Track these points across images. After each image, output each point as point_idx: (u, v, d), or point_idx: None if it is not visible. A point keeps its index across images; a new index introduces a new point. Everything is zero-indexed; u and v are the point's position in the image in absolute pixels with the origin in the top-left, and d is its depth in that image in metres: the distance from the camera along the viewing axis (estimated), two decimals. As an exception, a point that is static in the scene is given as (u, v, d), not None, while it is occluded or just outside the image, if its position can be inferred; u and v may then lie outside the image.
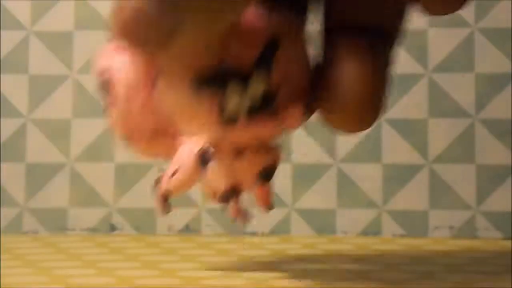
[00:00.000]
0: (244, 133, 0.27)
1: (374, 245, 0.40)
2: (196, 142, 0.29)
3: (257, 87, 0.26)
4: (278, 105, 0.26)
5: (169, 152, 0.30)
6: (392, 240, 0.42)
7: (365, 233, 0.43)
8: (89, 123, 0.45)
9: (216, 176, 0.29)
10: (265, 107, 0.26)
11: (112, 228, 0.44)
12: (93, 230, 0.44)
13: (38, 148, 0.45)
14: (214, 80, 0.26)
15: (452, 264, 0.34)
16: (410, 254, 0.37)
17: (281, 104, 0.27)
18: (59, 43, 0.45)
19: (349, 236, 0.43)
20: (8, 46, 0.45)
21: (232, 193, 0.29)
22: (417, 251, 0.38)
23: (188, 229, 0.44)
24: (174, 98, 0.26)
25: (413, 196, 0.43)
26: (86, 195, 0.45)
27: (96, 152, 0.45)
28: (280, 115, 0.27)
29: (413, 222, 0.43)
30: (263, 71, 0.26)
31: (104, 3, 0.45)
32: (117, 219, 0.44)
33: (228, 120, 0.26)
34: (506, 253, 0.37)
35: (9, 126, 0.45)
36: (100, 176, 0.45)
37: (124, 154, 0.45)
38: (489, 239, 0.43)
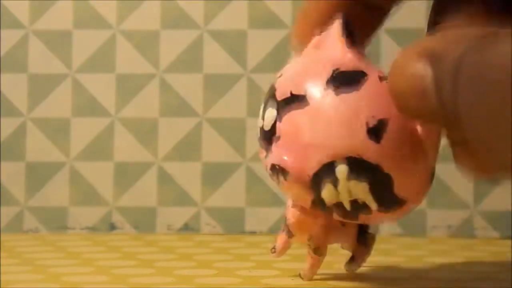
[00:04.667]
0: None
1: (372, 244, 0.40)
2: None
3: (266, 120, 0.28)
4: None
5: None
6: (390, 239, 0.42)
7: (363, 232, 0.43)
8: (88, 122, 0.45)
9: None
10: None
11: (112, 227, 0.44)
12: (93, 228, 0.44)
13: (38, 147, 0.45)
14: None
15: (450, 263, 0.34)
16: (407, 253, 0.37)
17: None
18: (58, 42, 0.45)
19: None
20: (7, 45, 0.45)
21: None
22: (415, 250, 0.38)
23: (187, 228, 0.44)
24: None
25: (411, 196, 0.43)
26: (85, 194, 0.45)
27: (95, 151, 0.45)
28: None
29: (411, 221, 0.43)
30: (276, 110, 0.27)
31: (102, 2, 0.45)
32: (116, 218, 0.44)
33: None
34: (503, 253, 0.37)
35: (9, 125, 0.45)
36: (100, 175, 0.45)
37: (123, 153, 0.45)
38: (487, 238, 0.42)
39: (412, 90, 0.23)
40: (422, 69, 0.22)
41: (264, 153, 0.27)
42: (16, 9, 0.45)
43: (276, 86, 0.27)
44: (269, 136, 0.27)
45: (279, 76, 0.28)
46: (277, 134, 0.27)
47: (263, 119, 0.27)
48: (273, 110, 0.27)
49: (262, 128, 0.28)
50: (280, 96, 0.27)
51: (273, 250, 0.30)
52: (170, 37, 0.45)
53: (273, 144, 0.27)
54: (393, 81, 0.23)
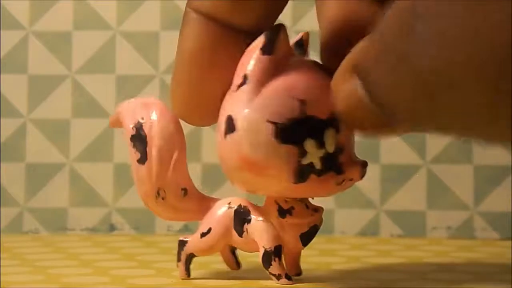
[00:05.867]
0: (309, 190, 0.27)
1: (371, 245, 0.40)
2: (232, 201, 0.30)
3: (330, 144, 0.27)
4: (342, 165, 0.27)
5: (198, 211, 0.30)
6: (390, 240, 0.42)
7: (363, 233, 0.43)
8: (88, 123, 0.45)
9: (258, 234, 0.29)
10: (333, 166, 0.27)
11: (112, 228, 0.44)
12: (93, 230, 0.44)
13: (37, 148, 0.45)
14: (295, 134, 0.26)
15: (450, 264, 0.34)
16: (407, 254, 0.37)
17: (344, 164, 0.27)
18: (58, 43, 0.45)
19: (347, 236, 0.43)
20: (8, 46, 0.45)
21: (275, 253, 0.28)
22: (415, 251, 0.38)
23: (187, 229, 0.44)
24: (255, 148, 0.26)
25: (411, 197, 0.43)
26: (85, 195, 0.45)
27: (95, 152, 0.45)
28: (342, 175, 0.27)
29: (411, 222, 0.43)
30: (335, 129, 0.27)
31: (102, 3, 0.45)
32: (116, 219, 0.44)
33: (302, 175, 0.27)
34: (503, 254, 0.37)
35: (9, 126, 0.45)
36: (100, 176, 0.45)
37: (123, 154, 0.45)
38: (487, 239, 0.42)
39: (351, 106, 0.23)
40: (351, 84, 0.23)
41: (335, 175, 0.27)
42: (16, 10, 0.45)
43: (310, 113, 0.27)
44: (338, 154, 0.27)
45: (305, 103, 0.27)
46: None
47: (322, 146, 0.27)
48: (330, 131, 0.27)
49: (325, 155, 0.27)
50: (323, 115, 0.27)
51: (280, 277, 0.29)
52: (170, 38, 0.45)
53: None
54: (337, 104, 0.24)
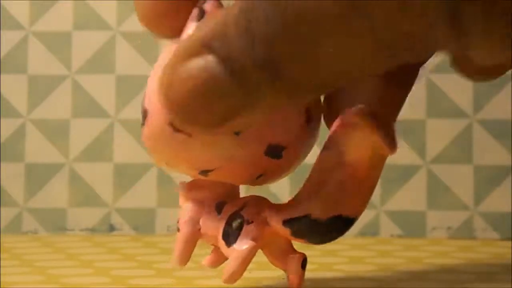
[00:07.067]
0: None
1: (371, 245, 0.40)
2: None
3: None
4: None
5: None
6: (390, 241, 0.42)
7: (362, 233, 0.43)
8: (88, 123, 0.45)
9: None
10: None
11: (111, 228, 0.44)
12: (92, 230, 0.44)
13: (37, 148, 0.45)
14: None
15: (450, 265, 0.34)
16: (407, 254, 0.37)
17: None
18: (58, 43, 0.45)
19: (347, 237, 0.43)
20: (7, 46, 0.45)
21: None
22: (415, 252, 0.38)
23: (187, 229, 0.44)
24: None
25: (411, 197, 0.43)
26: (85, 195, 0.45)
27: (95, 152, 0.45)
28: None
29: (411, 223, 0.43)
30: None
31: (103, 3, 0.45)
32: (116, 219, 0.44)
33: None
34: (503, 254, 0.37)
35: (9, 126, 0.45)
36: (99, 176, 0.45)
37: (123, 154, 0.45)
38: (487, 239, 0.42)
39: (204, 83, 0.20)
40: (202, 60, 0.20)
41: None
42: (16, 10, 0.45)
43: None
44: None
45: None
46: None
47: None
48: None
49: None
50: None
51: None
52: (169, 38, 0.45)
53: None
54: (170, 96, 0.21)
